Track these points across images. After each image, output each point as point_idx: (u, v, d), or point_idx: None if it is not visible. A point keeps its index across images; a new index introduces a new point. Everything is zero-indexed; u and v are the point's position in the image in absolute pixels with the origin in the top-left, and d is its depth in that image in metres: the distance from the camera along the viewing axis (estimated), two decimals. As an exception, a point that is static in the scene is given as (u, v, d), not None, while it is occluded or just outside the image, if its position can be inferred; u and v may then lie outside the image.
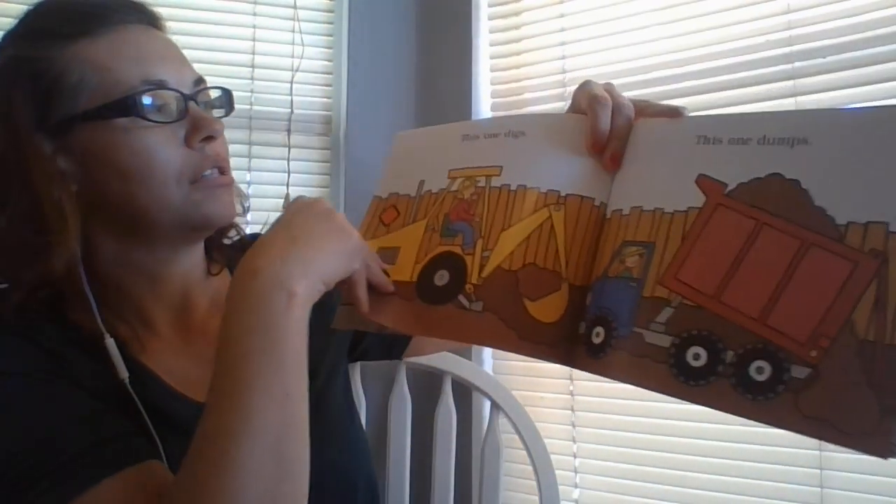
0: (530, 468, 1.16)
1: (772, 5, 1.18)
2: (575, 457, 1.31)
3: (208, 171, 0.63)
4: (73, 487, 0.51)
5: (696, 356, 0.49)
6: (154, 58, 0.62)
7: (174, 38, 0.70)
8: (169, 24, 0.69)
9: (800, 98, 1.15)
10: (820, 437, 0.44)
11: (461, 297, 0.59)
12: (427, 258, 0.62)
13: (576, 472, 1.31)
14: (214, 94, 0.68)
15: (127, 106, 0.59)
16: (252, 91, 1.48)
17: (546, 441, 1.16)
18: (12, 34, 0.63)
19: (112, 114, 0.59)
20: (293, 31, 1.50)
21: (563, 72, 1.38)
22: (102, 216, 0.63)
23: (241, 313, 0.51)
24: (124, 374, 0.60)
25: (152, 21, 0.66)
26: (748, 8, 1.20)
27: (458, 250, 0.61)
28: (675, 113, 0.58)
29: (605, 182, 0.59)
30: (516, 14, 1.46)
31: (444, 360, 1.22)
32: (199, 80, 0.66)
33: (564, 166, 0.60)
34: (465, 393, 1.26)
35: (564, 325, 0.57)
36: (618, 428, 1.27)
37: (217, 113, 0.68)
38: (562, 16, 1.39)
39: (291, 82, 1.49)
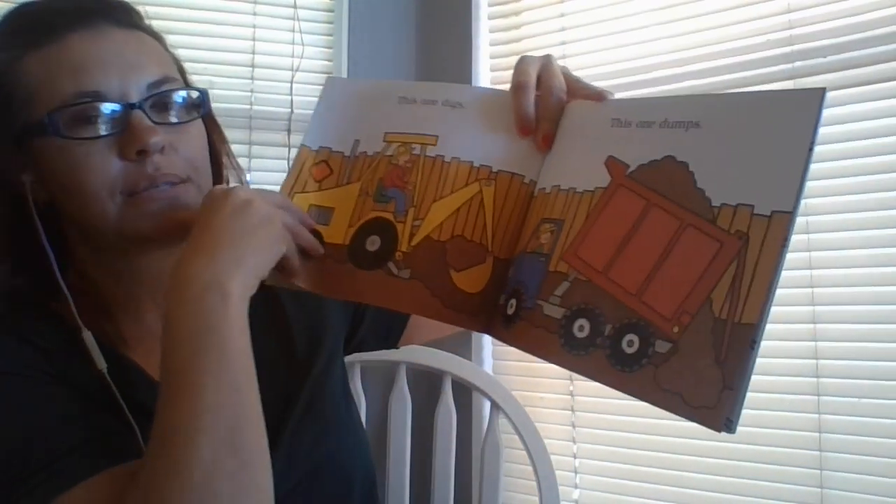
0: (530, 468, 1.16)
1: (772, 5, 1.18)
2: (575, 457, 1.31)
3: (148, 186, 0.61)
4: (60, 485, 0.52)
5: (581, 328, 0.52)
6: (94, 67, 0.59)
7: (173, 37, 0.69)
8: (164, 23, 0.68)
9: (800, 98, 1.14)
10: (671, 410, 0.46)
11: (390, 264, 0.61)
12: (360, 222, 0.64)
13: (576, 472, 1.31)
14: (184, 94, 0.64)
15: (49, 124, 0.58)
16: (252, 91, 1.47)
17: (546, 441, 1.17)
18: None
19: (43, 130, 0.59)
20: (293, 31, 1.50)
21: (563, 72, 1.38)
22: (67, 224, 0.64)
23: (180, 320, 0.52)
24: (102, 365, 0.60)
25: (117, 20, 0.63)
26: (748, 8, 1.20)
27: (390, 217, 0.63)
28: (600, 96, 0.59)
29: (537, 160, 0.61)
30: (516, 14, 1.46)
31: (444, 360, 1.22)
32: (159, 82, 0.62)
33: (498, 143, 0.62)
34: (465, 393, 1.27)
35: (486, 295, 0.60)
36: (618, 428, 1.26)
37: (196, 114, 0.65)
38: (562, 15, 1.39)
39: (291, 82, 1.49)
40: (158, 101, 0.62)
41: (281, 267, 0.60)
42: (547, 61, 0.62)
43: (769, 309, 0.44)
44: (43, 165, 0.61)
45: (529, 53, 0.64)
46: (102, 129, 0.59)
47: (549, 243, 0.57)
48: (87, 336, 0.61)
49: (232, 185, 0.66)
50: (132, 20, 0.65)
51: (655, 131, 0.53)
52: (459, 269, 0.60)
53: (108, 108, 0.59)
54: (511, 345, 0.57)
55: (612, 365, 0.50)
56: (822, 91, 0.45)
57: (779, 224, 0.45)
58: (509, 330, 0.57)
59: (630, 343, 0.49)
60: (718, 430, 0.43)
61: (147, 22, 0.68)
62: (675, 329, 0.47)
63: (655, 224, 0.50)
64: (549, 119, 0.60)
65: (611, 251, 0.52)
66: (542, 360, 0.55)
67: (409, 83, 0.67)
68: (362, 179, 0.65)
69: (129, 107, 0.60)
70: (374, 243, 0.62)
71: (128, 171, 0.60)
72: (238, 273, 0.54)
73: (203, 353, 0.51)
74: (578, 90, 0.61)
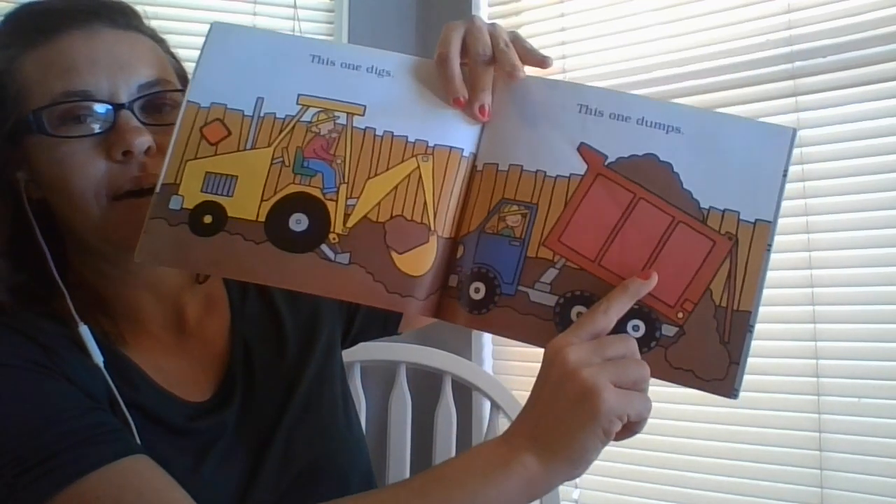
0: (530, 468, 1.16)
1: (772, 5, 1.18)
2: (575, 457, 1.31)
3: (133, 188, 0.60)
4: (63, 478, 0.51)
5: (579, 314, 0.54)
6: (84, 67, 0.59)
7: (173, 37, 0.68)
8: (164, 23, 0.68)
9: (800, 98, 1.15)
10: (684, 384, 0.53)
11: (325, 248, 0.57)
12: (277, 196, 0.58)
13: (576, 472, 1.31)
14: (177, 96, 0.63)
15: (34, 122, 0.59)
16: (252, 91, 1.48)
17: (546, 441, 1.16)
18: None
19: (28, 127, 0.59)
20: (293, 31, 1.50)
21: (564, 71, 1.38)
22: (59, 222, 0.64)
23: (475, 485, 0.51)
24: (98, 359, 0.60)
25: (112, 21, 0.63)
26: (748, 8, 1.20)
27: (316, 193, 0.58)
28: (542, 63, 0.59)
29: (474, 132, 0.59)
30: (516, 14, 1.46)
31: (444, 360, 1.22)
32: (152, 84, 0.62)
33: (431, 115, 0.59)
34: (465, 393, 1.26)
35: (434, 277, 0.58)
36: (618, 428, 1.26)
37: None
38: (562, 15, 1.40)
39: (291, 82, 1.49)
40: (149, 103, 0.62)
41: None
42: (470, 24, 0.59)
43: (761, 298, 0.53)
44: (34, 164, 0.61)
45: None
46: (89, 129, 0.59)
47: (521, 227, 0.56)
48: (84, 330, 0.60)
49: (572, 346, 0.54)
50: (129, 22, 0.65)
51: (633, 127, 0.56)
52: (402, 251, 0.57)
53: (95, 107, 0.59)
54: (487, 331, 0.58)
55: None
56: (792, 130, 0.55)
57: (762, 230, 0.54)
58: (483, 316, 0.56)
59: (635, 328, 0.54)
60: (730, 397, 0.52)
61: (147, 24, 0.67)
62: (680, 315, 0.54)
63: (646, 217, 0.55)
64: (481, 88, 0.58)
65: (600, 240, 0.55)
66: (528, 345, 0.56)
67: (323, 42, 0.61)
68: (274, 146, 0.59)
69: (117, 107, 0.60)
70: (300, 222, 0.57)
71: (112, 172, 0.60)
72: (562, 476, 0.52)
73: None
74: (525, 54, 0.59)
